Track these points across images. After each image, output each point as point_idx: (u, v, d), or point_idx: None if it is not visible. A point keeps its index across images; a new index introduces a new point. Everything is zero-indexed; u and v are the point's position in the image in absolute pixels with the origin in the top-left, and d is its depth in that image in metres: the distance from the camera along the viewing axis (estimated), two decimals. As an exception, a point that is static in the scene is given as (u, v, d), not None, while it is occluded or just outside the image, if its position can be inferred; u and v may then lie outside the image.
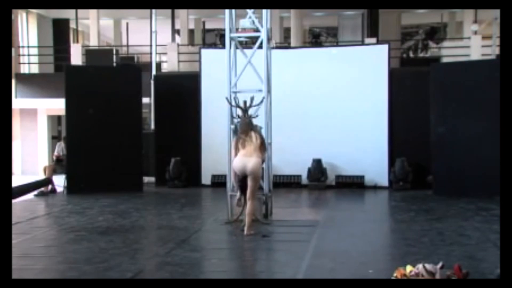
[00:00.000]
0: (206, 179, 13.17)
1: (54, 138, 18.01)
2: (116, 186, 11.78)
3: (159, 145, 13.63)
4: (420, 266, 5.11)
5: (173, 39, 18.96)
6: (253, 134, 7.92)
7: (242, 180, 7.86)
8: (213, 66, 12.50)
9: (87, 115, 12.07)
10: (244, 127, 8.02)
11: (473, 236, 7.42)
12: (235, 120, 8.77)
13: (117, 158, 12.05)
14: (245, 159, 7.68)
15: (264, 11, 8.84)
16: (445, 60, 17.65)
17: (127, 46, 21.71)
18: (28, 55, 19.54)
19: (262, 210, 8.58)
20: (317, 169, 12.63)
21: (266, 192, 8.71)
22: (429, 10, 21.09)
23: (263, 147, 8.00)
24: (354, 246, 7.03)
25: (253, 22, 8.86)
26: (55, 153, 13.35)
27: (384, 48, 12.92)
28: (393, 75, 12.87)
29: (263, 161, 8.02)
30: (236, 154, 7.92)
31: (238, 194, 8.04)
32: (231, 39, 8.99)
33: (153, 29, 16.73)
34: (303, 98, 12.82)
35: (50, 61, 19.95)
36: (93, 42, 19.21)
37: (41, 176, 13.14)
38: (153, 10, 16.66)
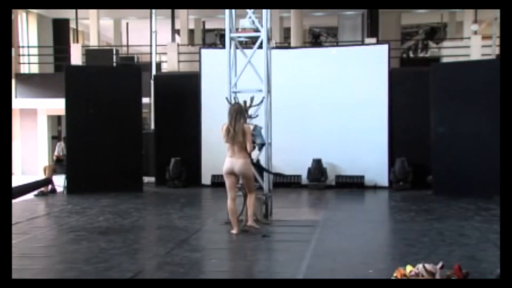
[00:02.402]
0: (206, 179, 13.17)
1: (54, 138, 18.02)
2: (116, 186, 11.78)
3: (159, 145, 13.63)
4: (420, 266, 5.11)
5: (173, 39, 18.98)
6: (241, 128, 7.50)
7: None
8: (213, 66, 12.49)
9: (87, 115, 12.07)
10: (233, 114, 7.52)
11: (473, 236, 7.42)
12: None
13: (117, 158, 12.05)
14: (233, 160, 7.56)
15: (264, 11, 8.84)
16: (445, 60, 17.68)
17: (127, 46, 21.73)
18: (28, 55, 19.55)
19: (262, 210, 8.58)
20: (317, 169, 12.63)
21: (266, 192, 8.72)
22: (429, 10, 21.11)
23: (250, 142, 7.62)
24: (354, 246, 7.03)
25: (253, 22, 8.86)
26: (55, 153, 13.35)
27: (384, 48, 12.91)
28: (393, 75, 12.86)
29: (251, 151, 7.73)
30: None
31: (235, 229, 7.64)
32: (231, 39, 8.98)
33: (153, 29, 16.74)
34: (303, 98, 12.81)
35: (50, 61, 19.97)
36: (93, 42, 19.23)
37: (41, 176, 13.14)
38: (153, 10, 16.68)
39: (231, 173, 7.63)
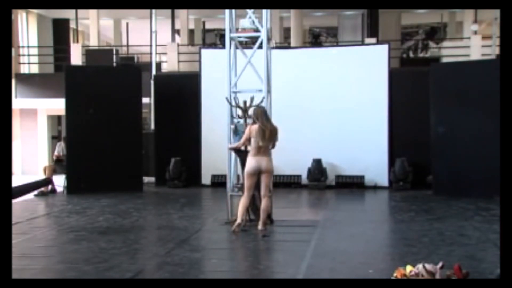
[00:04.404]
0: (206, 179, 13.17)
1: (54, 138, 18.01)
2: (116, 186, 11.78)
3: (159, 145, 13.64)
4: (420, 266, 5.11)
5: (173, 39, 18.97)
6: (274, 129, 7.86)
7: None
8: (213, 66, 12.51)
9: (87, 115, 12.07)
10: (263, 116, 7.83)
11: (473, 236, 7.43)
12: (235, 120, 8.77)
13: (117, 158, 12.05)
14: (259, 159, 7.78)
15: (264, 11, 8.83)
16: (445, 60, 17.66)
17: (127, 46, 21.73)
18: (28, 55, 19.53)
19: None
20: (317, 169, 12.63)
21: (266, 192, 8.71)
22: (429, 10, 21.10)
23: (275, 139, 7.95)
24: (354, 246, 7.04)
25: (253, 22, 8.85)
26: (55, 153, 13.34)
27: (384, 48, 12.92)
28: (393, 75, 12.86)
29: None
30: (243, 144, 7.98)
31: (239, 219, 7.80)
32: (231, 39, 8.98)
33: (153, 29, 16.75)
34: (303, 98, 12.82)
35: (50, 61, 19.95)
36: (93, 42, 19.22)
37: (41, 176, 13.14)
38: (153, 10, 16.68)
39: (257, 172, 7.82)
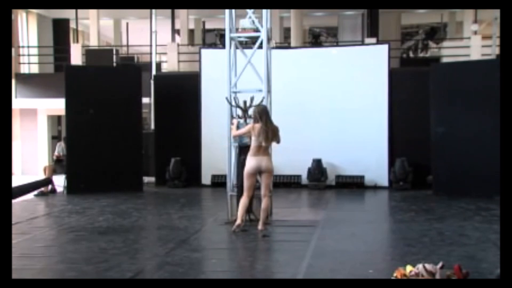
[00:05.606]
0: (206, 179, 13.17)
1: (54, 138, 18.02)
2: (116, 186, 11.78)
3: (159, 145, 13.64)
4: (420, 266, 5.11)
5: (173, 39, 18.96)
6: (275, 129, 7.85)
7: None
8: (213, 66, 12.51)
9: (87, 115, 12.07)
10: (265, 116, 7.81)
11: (473, 236, 7.42)
12: (236, 120, 8.76)
13: (117, 158, 12.05)
14: (259, 158, 7.77)
15: (264, 11, 8.84)
16: (445, 60, 17.64)
17: (127, 46, 21.73)
18: (28, 55, 19.52)
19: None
20: (317, 169, 12.63)
21: (266, 192, 8.71)
22: (429, 10, 21.09)
23: (278, 138, 7.95)
24: (354, 246, 7.03)
25: (253, 22, 8.86)
26: (55, 153, 13.35)
27: (384, 48, 12.92)
28: (393, 75, 12.87)
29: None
30: (242, 134, 8.08)
31: (238, 220, 7.80)
32: (231, 39, 8.99)
33: (153, 29, 16.76)
34: (303, 98, 12.82)
35: (50, 61, 19.94)
36: (93, 42, 19.21)
37: (41, 176, 13.14)
38: (153, 10, 16.68)
39: (257, 171, 7.83)
